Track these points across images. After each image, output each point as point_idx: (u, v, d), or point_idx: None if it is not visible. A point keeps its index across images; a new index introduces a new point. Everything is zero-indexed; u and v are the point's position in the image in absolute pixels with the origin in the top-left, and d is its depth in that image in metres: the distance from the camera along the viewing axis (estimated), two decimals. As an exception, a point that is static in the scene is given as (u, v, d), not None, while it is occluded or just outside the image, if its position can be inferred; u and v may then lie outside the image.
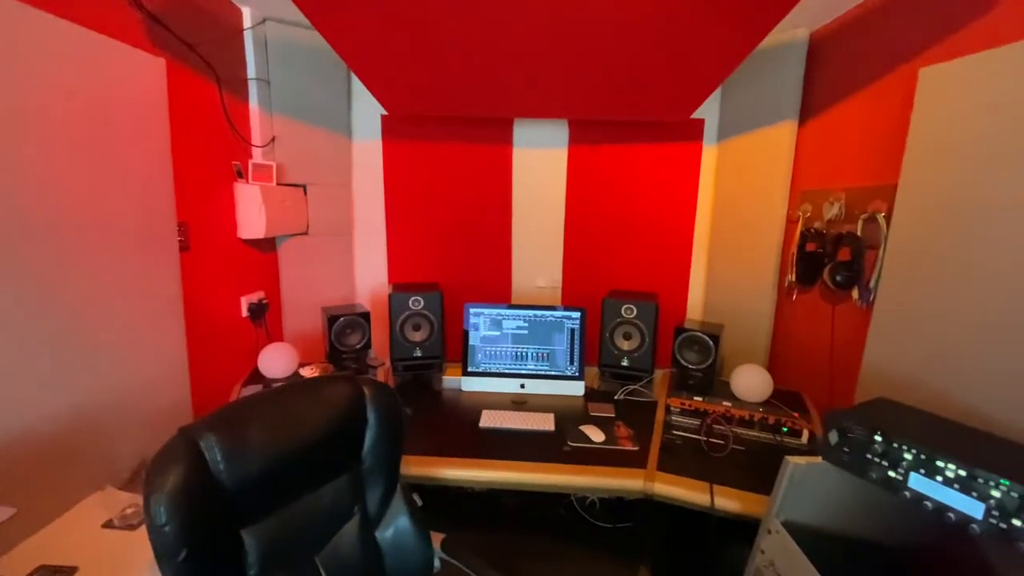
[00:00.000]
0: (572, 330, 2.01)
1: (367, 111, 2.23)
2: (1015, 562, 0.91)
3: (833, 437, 1.10)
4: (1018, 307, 1.09)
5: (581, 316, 2.01)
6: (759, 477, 1.45)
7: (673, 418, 1.75)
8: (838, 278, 1.63)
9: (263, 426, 0.95)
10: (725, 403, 1.76)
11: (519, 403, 1.94)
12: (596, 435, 1.68)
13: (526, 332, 2.04)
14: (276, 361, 1.88)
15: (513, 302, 2.36)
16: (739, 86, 2.09)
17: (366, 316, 1.99)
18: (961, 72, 1.23)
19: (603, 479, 1.48)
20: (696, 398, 1.79)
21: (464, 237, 2.33)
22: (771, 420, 1.67)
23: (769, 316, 2.09)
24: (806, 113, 1.92)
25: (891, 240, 1.45)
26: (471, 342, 2.06)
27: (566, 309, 2.02)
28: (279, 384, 1.80)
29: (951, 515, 0.90)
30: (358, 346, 1.98)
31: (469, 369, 2.06)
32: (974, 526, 0.87)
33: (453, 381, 2.09)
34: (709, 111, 2.19)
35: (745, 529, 1.32)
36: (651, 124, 2.19)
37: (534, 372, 2.04)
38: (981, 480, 0.86)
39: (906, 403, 1.16)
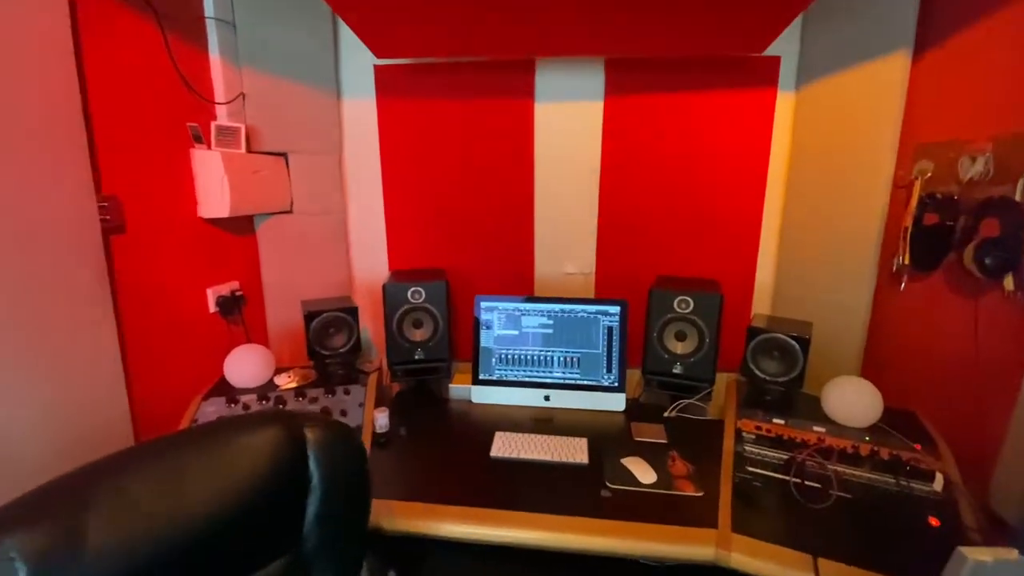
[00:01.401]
0: (610, 328, 1.60)
1: (358, 61, 1.83)
2: None
3: (1054, 526, 0.66)
4: None
5: (622, 311, 1.59)
6: (879, 542, 1.03)
7: (747, 448, 1.32)
8: (987, 261, 1.16)
9: (121, 511, 0.59)
10: (817, 428, 1.33)
11: (543, 421, 1.55)
12: (645, 473, 1.27)
13: (551, 331, 1.64)
14: (244, 367, 1.55)
15: (535, 294, 1.95)
16: (827, 10, 1.59)
17: (352, 312, 1.63)
18: None
19: (656, 543, 1.08)
20: (777, 420, 1.37)
21: (476, 214, 1.92)
22: (885, 455, 1.23)
23: (865, 311, 1.62)
24: (925, 39, 1.42)
25: (1094, 205, 0.97)
26: (483, 343, 1.68)
27: (602, 302, 1.61)
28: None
29: None
30: (344, 348, 1.62)
31: (481, 377, 1.68)
32: None
33: (462, 390, 1.71)
34: (786, 47, 1.69)
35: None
36: (710, 64, 1.71)
37: (561, 381, 1.64)
38: None
39: None
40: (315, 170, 1.87)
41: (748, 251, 1.87)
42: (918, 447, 1.24)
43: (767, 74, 1.72)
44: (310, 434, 0.77)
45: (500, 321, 1.66)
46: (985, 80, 1.26)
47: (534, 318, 1.64)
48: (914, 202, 1.40)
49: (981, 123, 1.25)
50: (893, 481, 1.17)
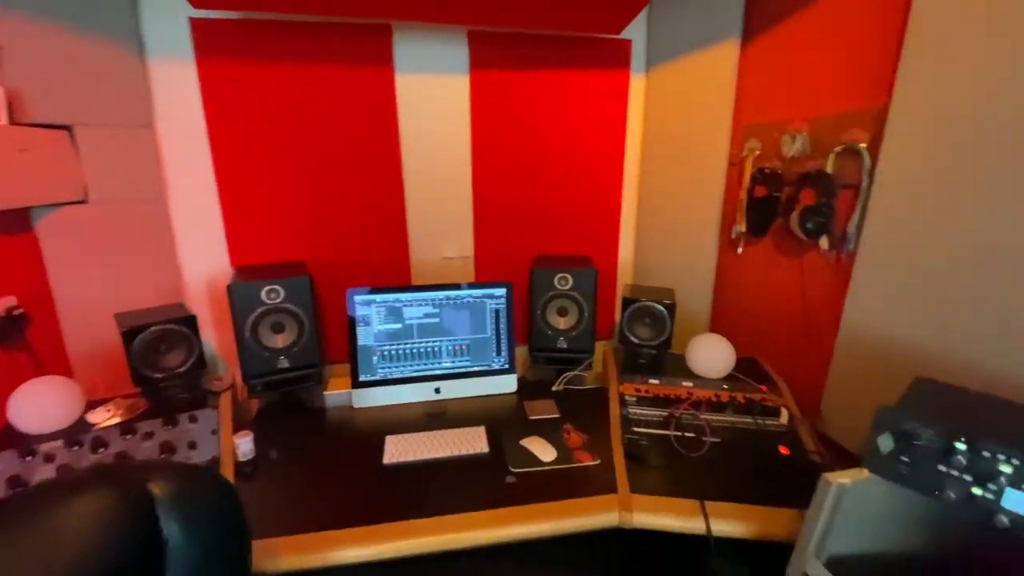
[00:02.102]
0: (497, 311, 1.57)
1: (167, 11, 1.47)
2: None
3: (886, 443, 0.80)
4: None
5: (507, 293, 1.56)
6: (753, 477, 1.17)
7: (631, 411, 1.41)
8: (809, 225, 1.37)
9: None
10: (685, 384, 1.47)
11: (436, 416, 1.47)
12: (545, 451, 1.28)
13: (437, 320, 1.55)
14: (38, 406, 1.19)
15: (413, 282, 1.83)
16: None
17: (189, 322, 1.34)
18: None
19: (566, 519, 1.09)
20: (652, 381, 1.48)
21: (337, 197, 1.71)
22: (741, 399, 1.41)
23: (711, 274, 1.83)
24: (750, 29, 1.61)
25: (879, 176, 1.19)
26: (361, 341, 1.52)
27: (488, 285, 1.56)
28: None
29: (1086, 550, 0.64)
30: (183, 367, 1.33)
31: (362, 378, 1.53)
32: None
33: (340, 396, 1.54)
34: (636, 31, 1.79)
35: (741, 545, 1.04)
36: (569, 42, 1.74)
37: (452, 371, 1.57)
38: None
39: (946, 382, 0.91)
40: (117, 147, 1.48)
41: (611, 226, 1.98)
42: (764, 388, 1.44)
43: (620, 56, 1.81)
44: (156, 488, 0.58)
45: (379, 315, 1.52)
46: (800, 68, 1.45)
47: (417, 308, 1.53)
48: (747, 177, 1.60)
49: (799, 106, 1.45)
50: (751, 421, 1.34)
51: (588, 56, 1.78)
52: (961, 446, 0.73)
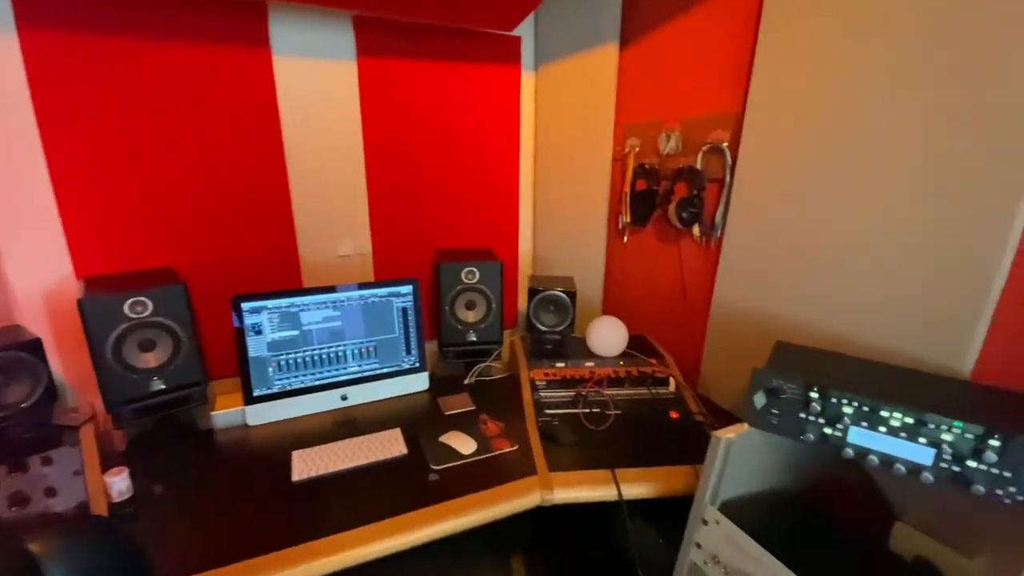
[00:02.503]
0: (404, 309, 1.53)
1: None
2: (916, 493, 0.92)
3: (760, 399, 0.95)
4: (874, 232, 1.09)
5: (414, 290, 1.53)
6: (652, 442, 1.30)
7: (541, 395, 1.48)
8: (683, 215, 1.54)
9: None
10: (588, 364, 1.58)
11: (345, 425, 1.40)
12: (465, 444, 1.29)
13: (340, 323, 1.47)
14: None
15: (305, 284, 1.70)
16: (554, 1, 1.79)
17: (33, 347, 1.12)
18: (816, -17, 1.14)
19: (492, 507, 1.12)
20: (559, 364, 1.57)
21: (208, 194, 1.52)
22: (636, 373, 1.55)
23: (602, 261, 1.98)
24: (628, 35, 1.75)
25: (738, 171, 1.39)
26: (253, 352, 1.38)
27: (393, 283, 1.51)
28: None
29: (900, 466, 0.82)
30: (29, 401, 1.11)
31: (256, 393, 1.40)
32: (926, 474, 0.80)
33: (231, 415, 1.40)
34: (525, 29, 1.85)
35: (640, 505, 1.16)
36: (461, 35, 1.74)
37: (359, 375, 1.51)
38: (932, 425, 0.80)
39: (800, 344, 1.10)
40: None
41: (511, 220, 2.04)
42: (654, 361, 1.60)
43: (511, 52, 1.85)
44: (37, 548, 0.48)
45: (272, 322, 1.40)
46: (671, 73, 1.61)
47: (317, 312, 1.43)
48: (629, 172, 1.75)
49: (672, 108, 1.62)
50: (646, 391, 1.49)
51: (481, 50, 1.79)
52: (815, 395, 0.90)
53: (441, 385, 1.61)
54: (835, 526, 1.01)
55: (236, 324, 1.36)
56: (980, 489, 0.76)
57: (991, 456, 0.75)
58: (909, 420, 0.82)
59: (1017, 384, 0.91)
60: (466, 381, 1.62)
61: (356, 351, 1.50)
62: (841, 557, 0.94)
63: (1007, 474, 0.74)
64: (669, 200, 1.60)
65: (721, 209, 1.46)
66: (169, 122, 1.42)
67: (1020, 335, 0.92)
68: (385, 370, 1.53)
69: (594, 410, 1.42)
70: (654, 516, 1.23)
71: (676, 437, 1.32)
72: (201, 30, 1.40)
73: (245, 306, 1.37)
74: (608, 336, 1.61)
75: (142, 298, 1.25)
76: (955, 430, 0.78)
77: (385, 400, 1.53)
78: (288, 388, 1.43)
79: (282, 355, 1.42)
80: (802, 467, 1.09)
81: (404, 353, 1.55)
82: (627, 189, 1.76)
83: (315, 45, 1.58)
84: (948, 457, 0.79)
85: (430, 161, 1.82)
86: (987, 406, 0.83)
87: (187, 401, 1.35)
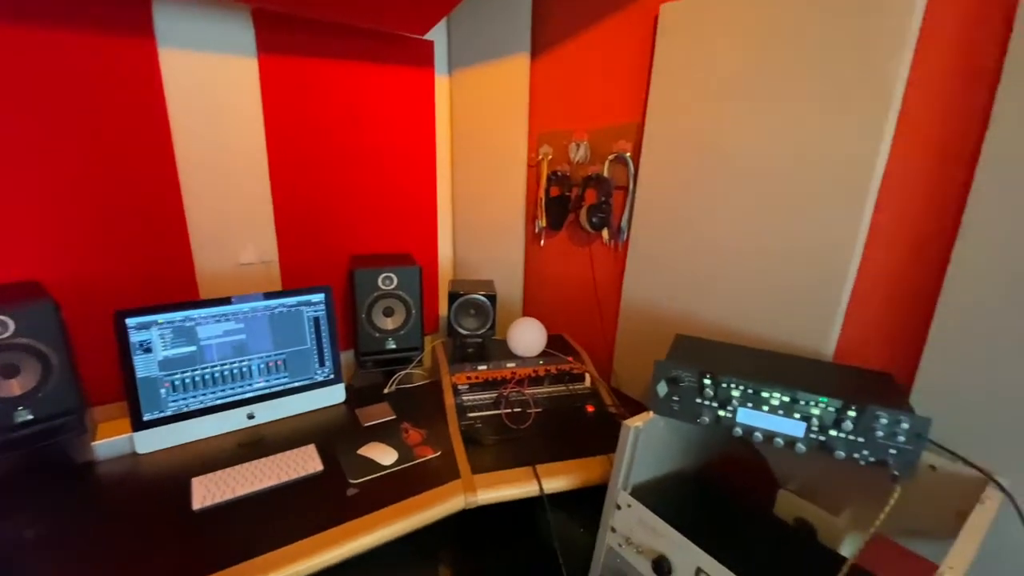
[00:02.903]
0: (316, 318, 1.46)
1: None
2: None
3: (663, 388, 1.04)
4: (753, 233, 1.23)
5: (326, 298, 1.47)
6: (571, 436, 1.36)
7: (464, 398, 1.49)
8: (593, 220, 1.63)
9: None
10: (509, 365, 1.61)
11: (253, 444, 1.31)
12: (384, 455, 1.26)
13: (244, 336, 1.37)
14: None
15: (201, 295, 1.57)
16: (467, 6, 1.81)
17: None
18: (700, 8, 1.26)
19: (415, 515, 1.10)
20: (481, 367, 1.58)
21: (84, 198, 1.35)
22: (555, 371, 1.61)
23: (521, 265, 2.03)
24: (538, 47, 1.81)
25: (640, 179, 1.49)
26: (141, 373, 1.25)
27: (304, 292, 1.44)
28: None
29: (779, 440, 0.93)
30: None
31: (147, 417, 1.26)
32: (799, 445, 0.92)
33: (117, 444, 1.25)
34: (437, 33, 1.85)
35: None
36: (373, 36, 1.70)
37: (267, 391, 1.41)
38: (802, 402, 0.91)
39: (696, 336, 1.21)
40: None
41: (429, 224, 2.02)
42: (571, 360, 1.67)
43: (424, 55, 1.84)
44: None
45: (163, 339, 1.27)
46: (581, 84, 1.69)
47: (216, 326, 1.33)
48: (543, 178, 1.81)
49: (580, 119, 1.70)
50: (564, 388, 1.55)
51: (393, 52, 1.76)
52: (708, 382, 0.99)
53: (359, 396, 1.56)
54: (731, 498, 1.12)
55: (120, 341, 1.22)
56: (841, 454, 0.89)
57: (848, 425, 0.87)
58: (785, 399, 0.93)
59: (868, 362, 1.07)
60: (386, 390, 1.58)
61: (263, 366, 1.40)
62: (736, 525, 1.04)
63: (861, 439, 0.87)
64: (580, 206, 1.68)
65: (627, 214, 1.56)
66: (31, 116, 1.25)
67: (869, 322, 1.08)
68: (296, 384, 1.45)
69: (515, 410, 1.45)
70: (576, 507, 1.28)
71: (592, 430, 1.39)
72: (69, 13, 1.25)
73: (130, 322, 1.23)
74: (528, 337, 1.65)
75: (2, 318, 1.08)
76: (820, 405, 0.90)
77: (297, 416, 1.45)
78: (185, 410, 1.31)
79: (176, 374, 1.30)
80: (702, 447, 1.20)
81: (317, 365, 1.48)
82: (542, 195, 1.82)
83: (209, 39, 1.46)
84: (816, 429, 0.91)
85: (342, 163, 1.76)
86: (845, 383, 0.96)
87: (60, 432, 1.19)
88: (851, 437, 0.88)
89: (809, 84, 1.08)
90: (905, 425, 0.84)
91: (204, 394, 1.34)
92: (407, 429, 1.38)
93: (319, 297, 1.45)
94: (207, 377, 1.34)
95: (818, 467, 1.09)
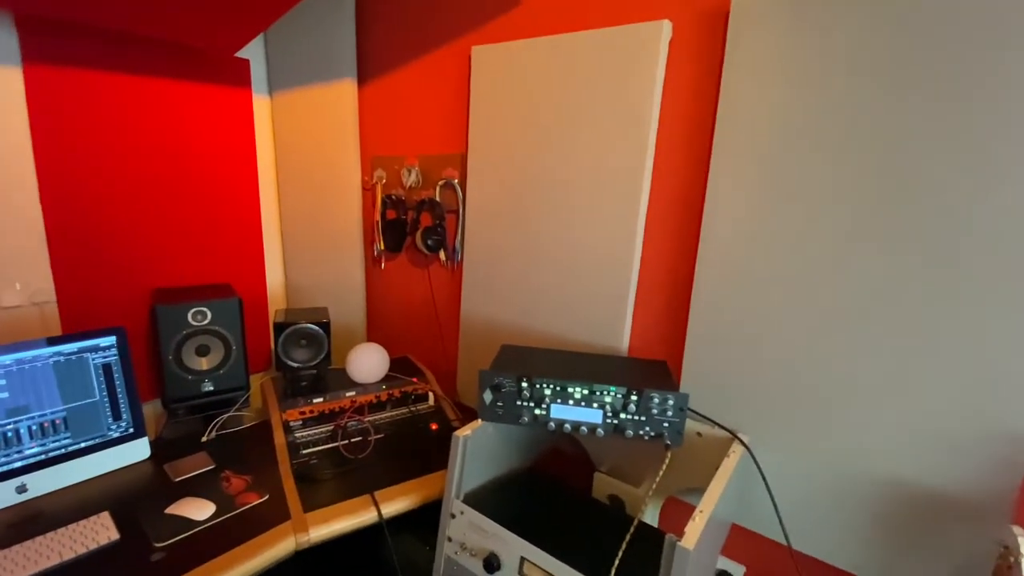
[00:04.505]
0: (107, 366, 1.26)
1: None
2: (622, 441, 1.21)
3: (488, 396, 1.12)
4: (560, 249, 1.40)
5: (119, 341, 1.28)
6: (415, 456, 1.37)
7: (297, 435, 1.41)
8: (429, 243, 1.69)
9: None
10: (349, 394, 1.57)
11: (25, 523, 1.08)
12: (199, 510, 1.13)
13: (6, 394, 1.13)
14: None
15: (-57, 347, 1.26)
16: (286, 27, 1.77)
17: None
18: (506, 52, 1.42)
19: (239, 567, 1.01)
20: (316, 400, 1.52)
21: None
22: (398, 394, 1.61)
23: (362, 288, 2.00)
24: (364, 74, 1.84)
25: (468, 204, 1.60)
26: None
27: (87, 336, 1.23)
28: None
29: (584, 427, 1.07)
30: None
31: None
32: (599, 430, 1.07)
33: None
34: (253, 52, 1.77)
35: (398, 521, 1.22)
36: (176, 50, 1.56)
37: (43, 458, 1.18)
38: (598, 392, 1.06)
39: (520, 344, 1.33)
40: None
41: (254, 251, 1.89)
42: (415, 380, 1.69)
43: (240, 75, 1.74)
44: None
45: None
46: (408, 113, 1.74)
47: (-42, 385, 1.07)
48: (378, 202, 1.83)
49: (410, 145, 1.76)
50: (406, 410, 1.56)
51: (203, 69, 1.64)
52: (525, 385, 1.09)
53: (171, 448, 1.38)
54: (555, 487, 1.24)
55: None
56: (630, 433, 1.05)
57: (633, 408, 1.04)
58: (585, 391, 1.07)
59: (653, 353, 1.28)
60: (204, 438, 1.42)
61: (36, 427, 1.17)
62: (558, 511, 1.15)
63: (643, 419, 1.04)
64: (416, 229, 1.73)
65: (459, 236, 1.65)
66: None
67: (650, 318, 1.30)
68: (82, 445, 1.23)
69: (354, 439, 1.42)
70: (423, 529, 1.29)
71: (437, 447, 1.42)
72: None
73: None
74: (368, 362, 1.63)
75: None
76: (611, 393, 1.05)
77: (86, 481, 1.23)
78: (-90, 498, 1.03)
79: None
80: (530, 446, 1.31)
81: (111, 420, 1.27)
82: (378, 217, 1.83)
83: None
84: (610, 414, 1.06)
85: (144, 187, 1.57)
86: (631, 373, 1.14)
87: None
88: (636, 417, 1.04)
89: (591, 117, 1.28)
90: (671, 402, 1.02)
91: (-58, 474, 1.07)
92: (228, 478, 1.26)
93: (108, 340, 1.26)
94: (-54, 452, 1.07)
95: (621, 448, 1.26)
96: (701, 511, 0.86)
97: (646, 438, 1.05)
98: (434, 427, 1.51)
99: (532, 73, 1.37)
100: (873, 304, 0.97)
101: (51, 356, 1.19)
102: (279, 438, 1.38)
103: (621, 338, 1.30)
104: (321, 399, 1.51)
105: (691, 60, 1.15)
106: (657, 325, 1.29)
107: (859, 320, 0.99)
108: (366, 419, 1.47)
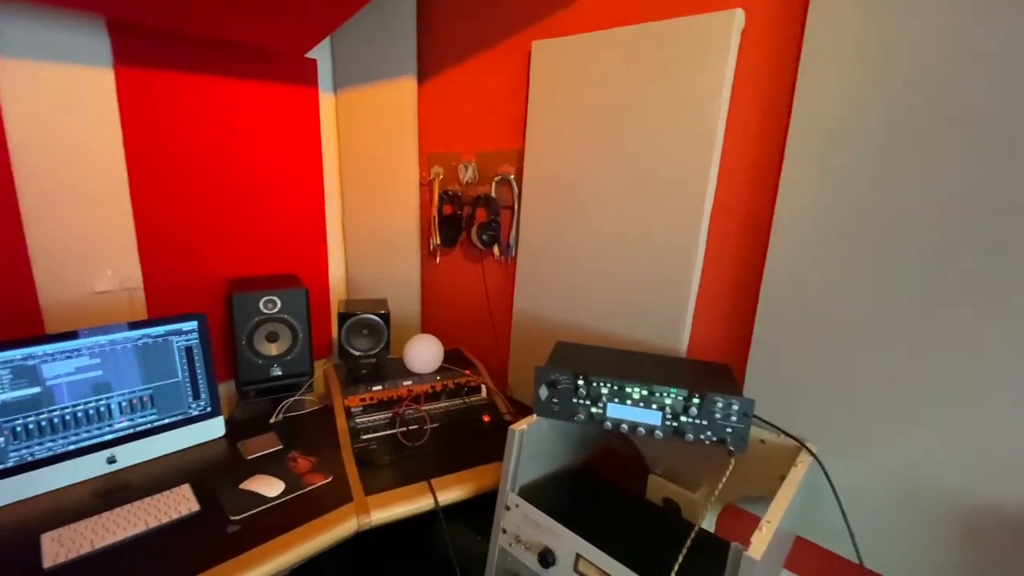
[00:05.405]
0: (189, 348, 1.36)
1: None
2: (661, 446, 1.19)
3: (544, 392, 1.12)
4: (617, 249, 1.38)
5: (200, 326, 1.37)
6: (468, 447, 1.40)
7: (357, 421, 1.47)
8: (484, 238, 1.71)
9: None
10: (406, 383, 1.62)
11: (115, 491, 1.18)
12: (270, 487, 1.21)
13: (100, 373, 1.24)
14: None
15: (49, 330, 1.39)
16: (351, 27, 1.83)
17: None
18: (566, 48, 1.40)
19: (304, 544, 1.07)
20: (376, 388, 1.57)
21: None
22: (452, 385, 1.65)
23: (417, 282, 2.05)
24: (424, 71, 1.87)
25: (523, 200, 1.60)
26: (-34, 422, 1.09)
27: (173, 320, 1.33)
28: None
29: (641, 429, 1.06)
30: None
31: (-26, 473, 1.09)
32: (657, 432, 1.05)
33: (-67, 508, 1.07)
34: (320, 52, 1.84)
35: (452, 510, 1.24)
36: (251, 53, 1.65)
37: (131, 431, 1.29)
38: (657, 394, 1.04)
39: (574, 342, 1.32)
40: None
41: (317, 244, 1.98)
42: (468, 372, 1.72)
43: (308, 74, 1.82)
44: None
45: (1, 381, 1.11)
46: (466, 109, 1.77)
47: (66, 362, 1.19)
48: (436, 198, 1.86)
49: (467, 142, 1.78)
50: (460, 402, 1.59)
51: (274, 70, 1.72)
52: (581, 382, 1.09)
53: (242, 428, 1.47)
54: (608, 487, 1.23)
55: (-65, 390, 1.05)
56: (690, 437, 1.02)
57: (694, 411, 1.01)
58: (644, 392, 1.05)
59: (713, 356, 1.25)
60: (272, 420, 1.51)
61: (125, 403, 1.28)
62: (612, 511, 1.14)
63: (704, 423, 1.01)
64: (472, 224, 1.75)
65: (514, 232, 1.66)
66: None
67: (712, 320, 1.26)
68: (166, 421, 1.33)
69: (411, 427, 1.46)
70: (475, 517, 1.32)
71: (489, 439, 1.44)
72: None
73: (-51, 365, 1.07)
74: (424, 353, 1.67)
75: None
76: (671, 395, 1.03)
77: (169, 455, 1.33)
78: (29, 460, 1.15)
79: (17, 420, 1.14)
80: (583, 443, 1.30)
81: (191, 399, 1.37)
82: (435, 213, 1.87)
83: (57, 49, 1.33)
84: (669, 416, 1.04)
85: (219, 182, 1.67)
86: (692, 375, 1.11)
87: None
88: (697, 421, 1.02)
89: (655, 112, 1.25)
90: (735, 407, 0.99)
91: (53, 440, 1.19)
92: (295, 458, 1.33)
93: (191, 325, 1.35)
94: (56, 421, 1.19)
95: (678, 451, 1.24)
96: (768, 521, 0.83)
97: (707, 443, 1.02)
98: (486, 419, 1.53)
99: (593, 67, 1.35)
100: (956, 314, 0.90)
101: (140, 338, 1.30)
102: (341, 423, 1.44)
103: (680, 339, 1.27)
104: (380, 387, 1.57)
105: (765, 52, 1.10)
106: (719, 326, 1.25)
107: (940, 332, 0.92)
108: (423, 408, 1.52)
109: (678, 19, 1.18)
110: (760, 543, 0.78)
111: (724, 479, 0.95)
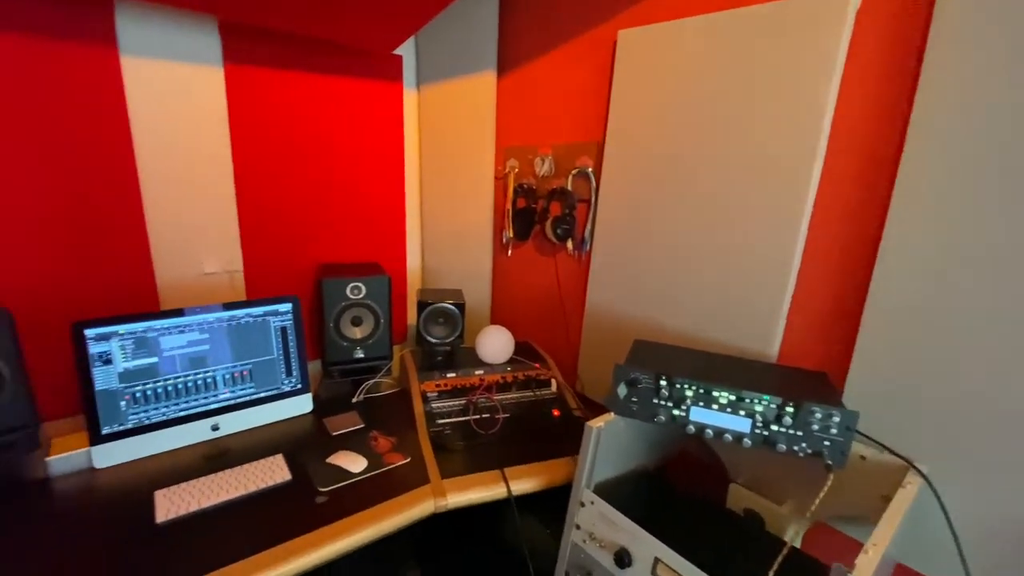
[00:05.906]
0: (283, 328, 1.46)
1: None
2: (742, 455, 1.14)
3: (623, 390, 1.10)
4: (706, 247, 1.32)
5: (294, 308, 1.47)
6: (538, 439, 1.41)
7: (433, 406, 1.51)
8: (558, 231, 1.70)
9: None
10: (478, 372, 1.65)
11: (217, 457, 1.30)
12: (354, 463, 1.27)
13: (208, 347, 1.36)
14: None
15: (163, 305, 1.54)
16: (434, 23, 1.86)
17: None
18: (654, 37, 1.36)
19: (385, 521, 1.12)
20: (450, 375, 1.61)
21: (41, 208, 1.32)
22: (522, 377, 1.66)
23: (489, 274, 2.07)
24: (504, 65, 1.88)
25: (601, 193, 1.57)
26: (100, 385, 1.22)
27: (270, 301, 1.43)
28: None
29: (728, 435, 1.01)
30: None
31: (105, 431, 1.23)
32: (746, 440, 1.00)
33: (75, 458, 1.22)
34: (405, 48, 1.89)
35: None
36: (341, 50, 1.72)
37: (233, 402, 1.40)
38: (747, 400, 0.99)
39: (653, 341, 1.29)
40: None
41: (397, 234, 2.05)
42: (537, 366, 1.72)
43: (393, 69, 1.88)
44: None
45: (124, 350, 1.25)
46: (544, 102, 1.76)
47: (180, 336, 1.31)
48: (510, 191, 1.87)
49: (544, 135, 1.77)
50: (531, 394, 1.60)
51: (361, 66, 1.79)
52: (664, 383, 1.06)
53: (327, 406, 1.56)
54: (687, 492, 1.19)
55: (78, 354, 1.19)
56: (782, 447, 0.97)
57: (788, 420, 0.96)
58: (732, 397, 1.00)
59: (808, 363, 1.17)
60: (354, 399, 1.59)
61: (228, 376, 1.39)
62: (691, 517, 1.10)
63: (799, 433, 0.96)
64: (546, 217, 1.74)
65: (589, 226, 1.64)
66: (-19, 122, 1.21)
67: (807, 326, 1.18)
68: (262, 395, 1.44)
69: (484, 416, 1.49)
70: (543, 511, 1.33)
71: (558, 433, 1.44)
72: (29, 20, 1.22)
73: (89, 333, 1.20)
74: (496, 344, 1.70)
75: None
76: (763, 402, 0.98)
77: (264, 427, 1.44)
78: (146, 423, 1.29)
79: (137, 386, 1.27)
80: (660, 445, 1.27)
81: (284, 375, 1.47)
82: (508, 206, 1.88)
83: (174, 48, 1.46)
84: (760, 424, 0.99)
85: (310, 173, 1.77)
86: (786, 382, 1.05)
87: (12, 448, 1.15)
88: (791, 431, 0.96)
89: (752, 104, 1.18)
90: (836, 419, 0.92)
91: (166, 406, 1.32)
92: (376, 437, 1.40)
93: (287, 307, 1.45)
94: (169, 389, 1.32)
95: (764, 461, 1.17)
96: (875, 544, 0.77)
97: (801, 455, 0.96)
98: (556, 413, 1.53)
99: (683, 56, 1.30)
100: None
101: (242, 317, 1.40)
102: (418, 406, 1.49)
103: (771, 344, 1.20)
104: (454, 374, 1.61)
105: (883, 36, 1.01)
106: (815, 332, 1.17)
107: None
108: (495, 397, 1.54)
109: (783, 1, 1.10)
110: (866, 567, 0.73)
111: (822, 494, 0.89)
